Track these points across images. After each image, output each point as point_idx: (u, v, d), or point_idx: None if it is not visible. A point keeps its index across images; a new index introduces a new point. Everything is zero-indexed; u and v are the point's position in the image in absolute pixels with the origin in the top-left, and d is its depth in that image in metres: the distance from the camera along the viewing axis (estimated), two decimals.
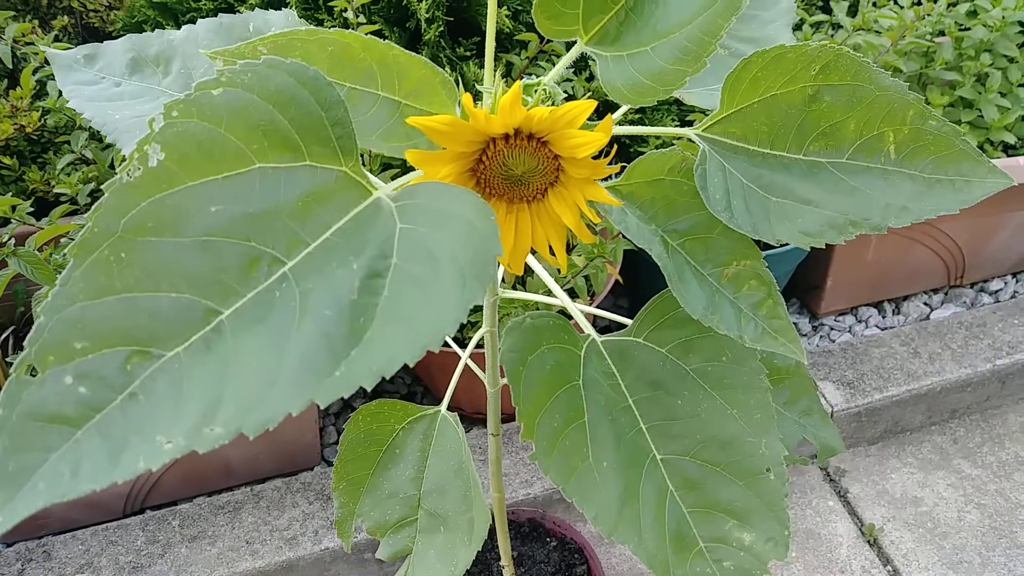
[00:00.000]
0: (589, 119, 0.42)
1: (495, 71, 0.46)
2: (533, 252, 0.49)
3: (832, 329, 1.65)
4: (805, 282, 1.64)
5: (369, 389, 0.33)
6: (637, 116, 1.37)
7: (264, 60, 0.37)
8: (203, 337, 0.34)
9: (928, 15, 1.41)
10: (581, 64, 1.36)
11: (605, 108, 0.58)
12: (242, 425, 0.32)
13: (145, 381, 0.33)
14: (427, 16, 1.22)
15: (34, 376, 0.32)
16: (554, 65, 0.48)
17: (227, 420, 0.32)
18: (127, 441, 0.31)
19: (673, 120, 1.39)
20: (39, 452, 0.31)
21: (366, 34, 0.43)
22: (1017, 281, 1.76)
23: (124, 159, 0.34)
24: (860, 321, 1.67)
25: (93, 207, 0.33)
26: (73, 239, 0.75)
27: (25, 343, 0.32)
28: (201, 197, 0.35)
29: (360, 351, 0.34)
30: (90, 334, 0.32)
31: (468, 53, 1.30)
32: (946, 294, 1.73)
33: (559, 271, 1.18)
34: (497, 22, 1.23)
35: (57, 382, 0.32)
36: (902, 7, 1.48)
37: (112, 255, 0.33)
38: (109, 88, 0.62)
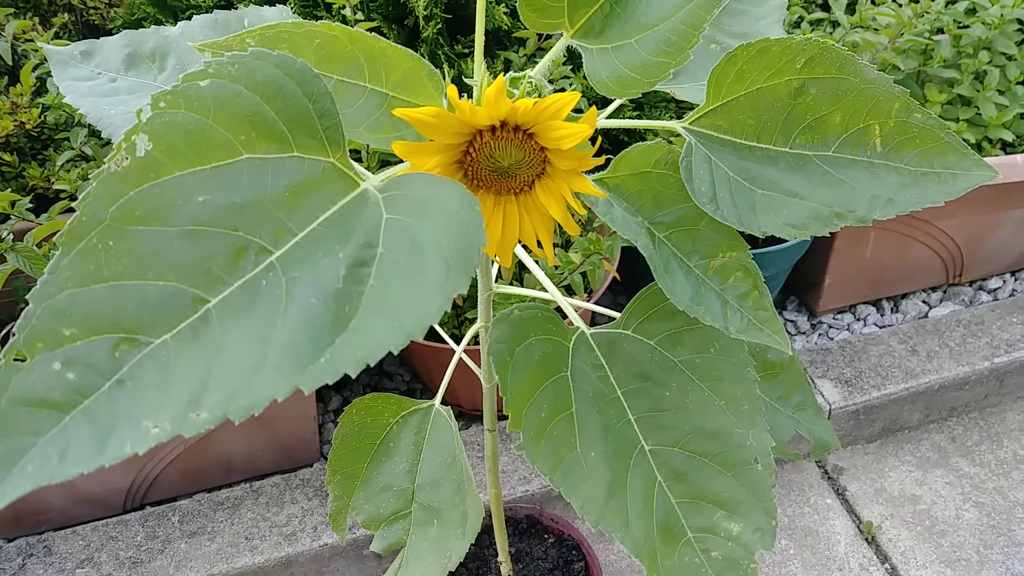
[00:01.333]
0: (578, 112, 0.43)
1: (486, 66, 0.47)
2: (528, 250, 0.50)
3: (830, 327, 1.65)
4: (803, 280, 1.65)
5: (354, 376, 0.34)
6: (635, 113, 1.37)
7: (251, 52, 0.37)
8: (190, 325, 0.34)
9: (926, 12, 1.41)
10: (579, 62, 1.36)
11: (602, 105, 0.58)
12: (227, 410, 0.33)
13: (133, 368, 0.33)
14: (425, 13, 1.23)
15: (23, 362, 0.32)
16: (552, 63, 0.49)
17: (213, 405, 0.33)
18: (115, 426, 0.32)
19: (671, 116, 1.39)
20: (28, 436, 0.31)
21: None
22: (1016, 279, 1.76)
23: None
24: (858, 319, 1.67)
25: (81, 196, 0.34)
26: None
27: (14, 329, 0.33)
28: (189, 187, 0.35)
29: (345, 339, 0.34)
30: (78, 321, 0.33)
31: (466, 50, 1.31)
32: (944, 292, 1.73)
33: (555, 268, 1.19)
34: (495, 19, 1.23)
35: (45, 368, 0.32)
36: (900, 4, 1.48)
37: (100, 243, 0.34)
38: (105, 84, 0.62)
